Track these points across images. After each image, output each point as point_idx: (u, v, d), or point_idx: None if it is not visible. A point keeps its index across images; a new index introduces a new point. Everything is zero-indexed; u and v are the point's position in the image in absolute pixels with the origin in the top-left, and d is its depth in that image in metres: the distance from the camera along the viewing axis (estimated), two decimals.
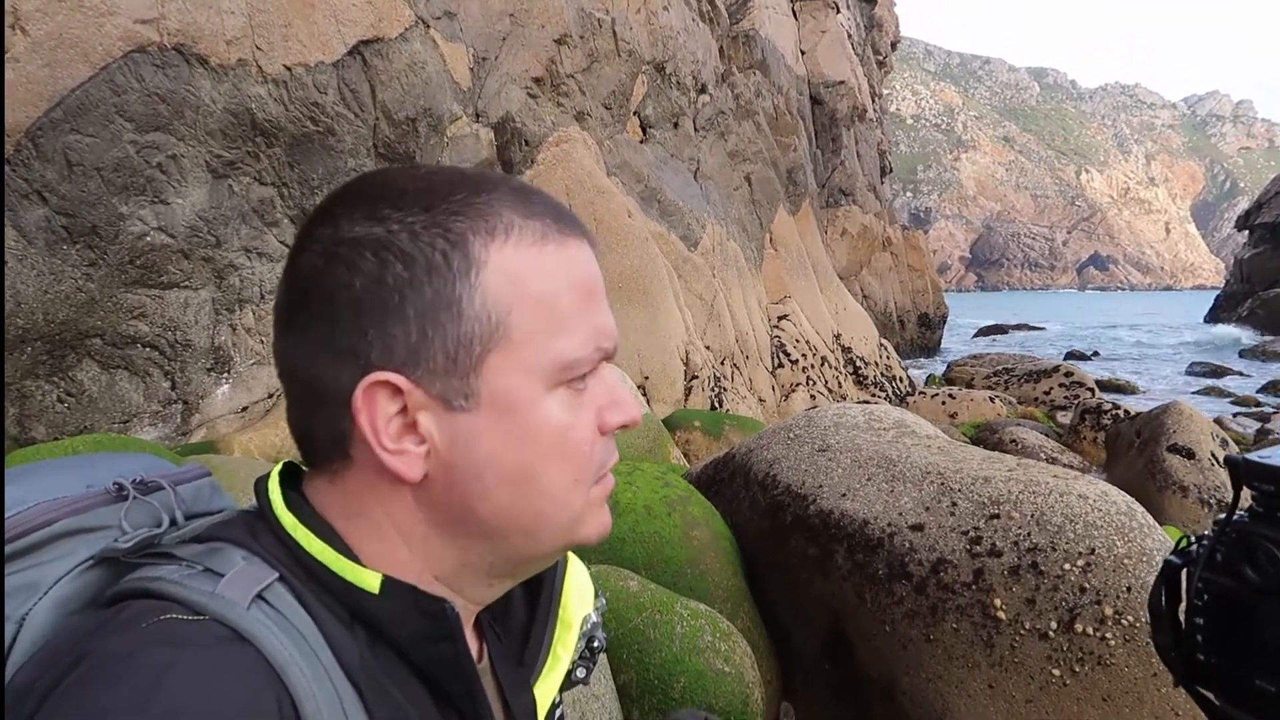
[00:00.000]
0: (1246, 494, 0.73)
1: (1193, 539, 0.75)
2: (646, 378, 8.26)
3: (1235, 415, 16.02)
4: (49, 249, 4.44)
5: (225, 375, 5.40)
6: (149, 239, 4.85)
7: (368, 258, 0.63)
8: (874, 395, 14.33)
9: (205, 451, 4.68)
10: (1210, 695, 0.73)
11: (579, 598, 0.84)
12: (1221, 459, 7.38)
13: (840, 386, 13.72)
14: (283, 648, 0.58)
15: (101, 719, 0.49)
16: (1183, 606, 0.75)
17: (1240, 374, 24.69)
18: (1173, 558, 0.76)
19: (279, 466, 0.72)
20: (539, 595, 0.82)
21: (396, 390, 0.64)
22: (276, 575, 0.62)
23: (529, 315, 0.65)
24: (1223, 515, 0.73)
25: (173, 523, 0.71)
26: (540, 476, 0.67)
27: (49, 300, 4.44)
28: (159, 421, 5.04)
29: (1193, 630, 0.73)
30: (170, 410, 5.11)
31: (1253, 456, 0.71)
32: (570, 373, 0.67)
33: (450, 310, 0.64)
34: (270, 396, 5.62)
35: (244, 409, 5.48)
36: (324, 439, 0.67)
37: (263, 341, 5.61)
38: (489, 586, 0.73)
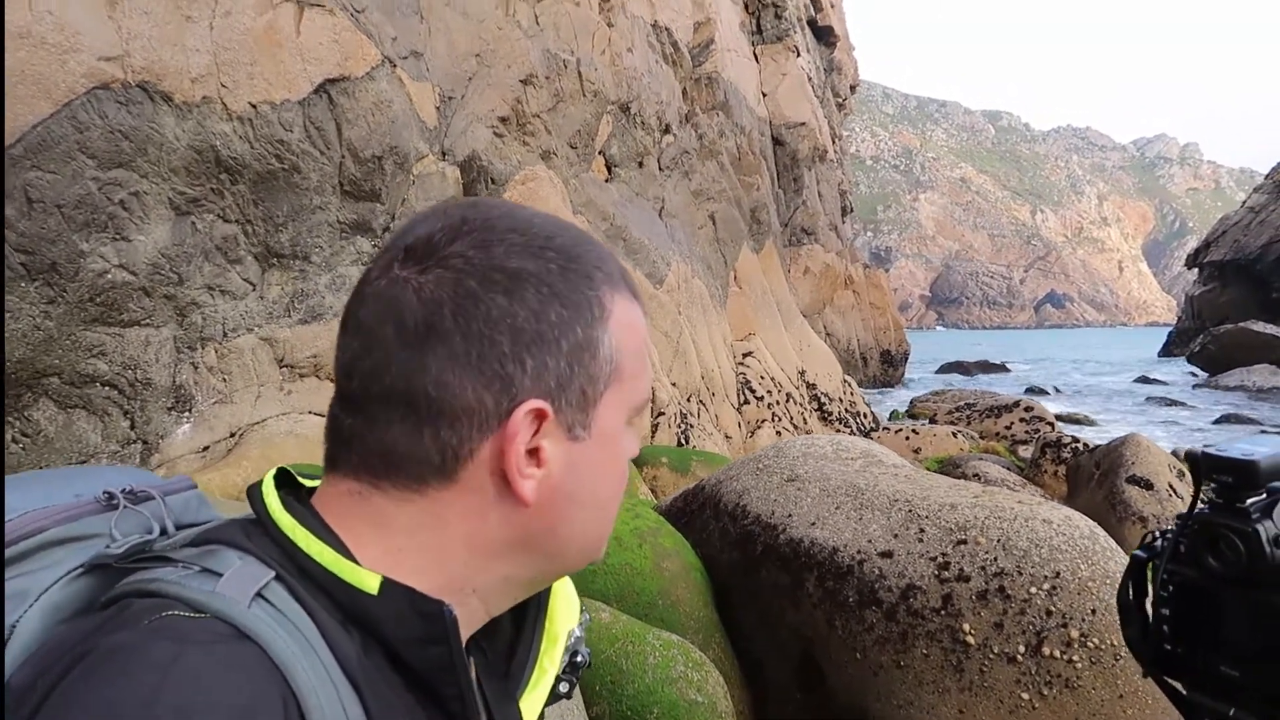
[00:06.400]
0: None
1: (1157, 534, 0.78)
2: None
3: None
4: (6, 286, 4.38)
5: (186, 415, 5.33)
6: (110, 276, 4.80)
7: (530, 292, 0.66)
8: (839, 431, 14.42)
9: None
10: (1177, 684, 0.76)
11: (565, 610, 0.83)
12: (1183, 468, 7.52)
13: (805, 423, 13.80)
14: (287, 646, 0.57)
15: (108, 713, 0.49)
16: (1150, 600, 0.78)
17: (1195, 407, 25.52)
18: (1139, 552, 0.79)
19: (273, 472, 0.72)
20: (526, 608, 0.81)
21: (539, 417, 0.67)
22: (274, 574, 0.62)
23: (630, 359, 0.73)
24: (1184, 509, 0.76)
25: (163, 531, 0.70)
26: (613, 501, 0.76)
27: (5, 338, 4.37)
28: (117, 462, 4.94)
29: (1159, 621, 0.75)
30: (129, 450, 5.02)
31: (1211, 450, 0.74)
32: (641, 411, 0.77)
33: (590, 350, 0.69)
34: (232, 436, 5.54)
35: (205, 449, 5.39)
36: (422, 456, 0.66)
37: (225, 380, 5.54)
38: (514, 599, 0.77)
